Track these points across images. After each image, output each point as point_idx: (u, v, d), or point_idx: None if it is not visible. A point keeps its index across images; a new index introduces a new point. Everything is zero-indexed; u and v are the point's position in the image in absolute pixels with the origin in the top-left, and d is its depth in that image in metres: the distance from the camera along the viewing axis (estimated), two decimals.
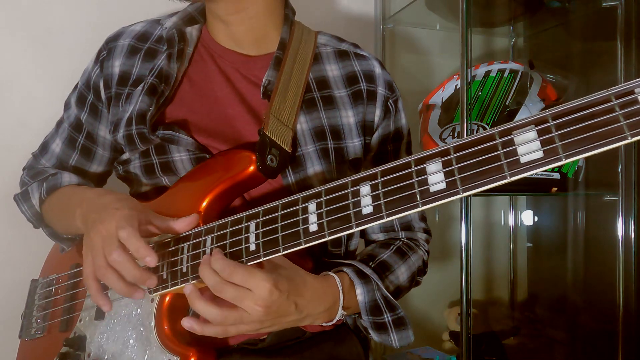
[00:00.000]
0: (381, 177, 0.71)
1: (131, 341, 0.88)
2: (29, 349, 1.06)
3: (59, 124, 1.12)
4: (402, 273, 1.02)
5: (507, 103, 1.56)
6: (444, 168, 0.66)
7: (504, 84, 1.59)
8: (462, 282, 1.42)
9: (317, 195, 0.77)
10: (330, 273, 0.91)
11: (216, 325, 0.79)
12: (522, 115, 1.53)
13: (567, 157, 0.57)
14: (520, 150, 0.61)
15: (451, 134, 1.61)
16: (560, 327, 1.90)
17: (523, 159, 0.61)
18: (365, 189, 0.72)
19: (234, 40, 1.04)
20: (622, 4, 1.60)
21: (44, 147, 1.13)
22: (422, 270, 1.11)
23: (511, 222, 2.13)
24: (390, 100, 1.08)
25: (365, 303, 0.92)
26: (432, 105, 1.70)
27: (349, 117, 1.04)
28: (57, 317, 1.01)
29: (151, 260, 0.79)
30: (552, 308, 1.99)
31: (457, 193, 0.65)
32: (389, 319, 0.93)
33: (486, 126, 1.56)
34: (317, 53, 1.08)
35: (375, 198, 0.71)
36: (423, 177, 0.68)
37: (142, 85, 0.99)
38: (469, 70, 1.46)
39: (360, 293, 0.92)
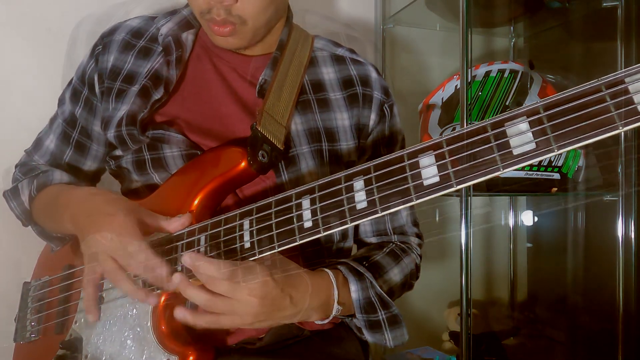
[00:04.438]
0: (374, 172, 0.72)
1: (128, 342, 0.88)
2: (24, 352, 1.05)
3: (53, 120, 1.11)
4: (395, 274, 1.02)
5: (507, 103, 1.56)
6: (437, 161, 0.66)
7: (504, 84, 1.59)
8: (462, 282, 1.42)
9: (311, 191, 0.77)
10: (325, 269, 0.91)
11: (207, 311, 0.80)
12: None
13: (559, 147, 0.57)
14: (513, 142, 0.61)
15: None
16: (560, 327, 1.89)
17: (516, 151, 0.61)
18: (359, 183, 0.73)
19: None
20: (622, 4, 1.60)
21: (38, 144, 1.12)
22: (414, 274, 1.10)
23: (511, 222, 2.12)
24: (385, 105, 1.09)
25: (359, 300, 0.92)
26: (432, 105, 1.70)
27: (344, 120, 1.04)
28: (52, 320, 1.00)
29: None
30: (552, 308, 1.98)
31: (450, 186, 0.65)
32: (383, 316, 0.93)
33: None
34: (313, 57, 1.09)
35: (369, 193, 0.71)
36: (416, 170, 0.68)
37: (135, 85, 0.99)
38: (469, 70, 1.46)
39: (354, 290, 0.92)
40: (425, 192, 0.67)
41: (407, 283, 1.07)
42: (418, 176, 0.68)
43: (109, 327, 0.91)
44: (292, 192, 0.79)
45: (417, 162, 0.68)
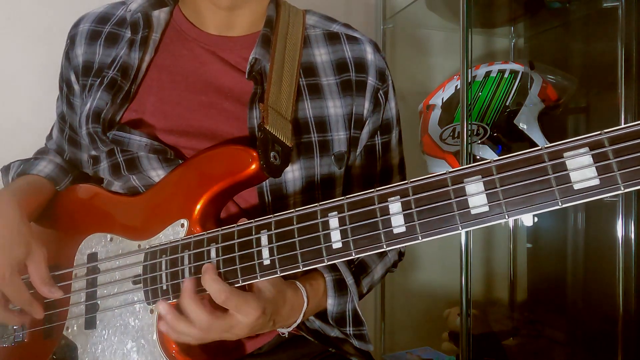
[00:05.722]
0: (413, 194, 0.67)
1: (133, 355, 0.83)
2: (14, 354, 0.98)
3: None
4: (377, 272, 1.01)
5: (507, 104, 1.56)
6: (485, 189, 0.64)
7: (504, 85, 1.59)
8: (462, 282, 1.43)
9: (339, 209, 0.72)
10: (302, 290, 0.87)
11: (198, 329, 0.77)
12: (522, 116, 1.53)
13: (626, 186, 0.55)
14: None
15: (451, 134, 1.61)
16: (559, 327, 1.89)
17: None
18: (395, 205, 0.68)
19: (224, 24, 0.97)
20: (622, 5, 1.60)
21: (50, 132, 1.13)
22: (396, 262, 1.09)
23: (511, 222, 2.12)
24: (380, 92, 1.00)
25: (332, 313, 0.91)
26: (433, 106, 1.71)
27: (336, 108, 0.96)
28: (38, 325, 0.95)
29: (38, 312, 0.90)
30: (551, 309, 1.99)
31: (501, 217, 0.63)
32: (351, 332, 0.93)
33: (486, 127, 1.56)
34: (305, 36, 1.00)
35: (407, 217, 0.67)
36: (463, 197, 0.64)
37: (101, 77, 0.94)
38: (469, 70, 1.46)
39: (330, 304, 0.90)
40: (472, 222, 0.63)
41: (387, 273, 1.06)
42: (465, 204, 0.63)
43: (107, 337, 0.86)
44: (317, 208, 0.73)
45: (464, 187, 0.63)
